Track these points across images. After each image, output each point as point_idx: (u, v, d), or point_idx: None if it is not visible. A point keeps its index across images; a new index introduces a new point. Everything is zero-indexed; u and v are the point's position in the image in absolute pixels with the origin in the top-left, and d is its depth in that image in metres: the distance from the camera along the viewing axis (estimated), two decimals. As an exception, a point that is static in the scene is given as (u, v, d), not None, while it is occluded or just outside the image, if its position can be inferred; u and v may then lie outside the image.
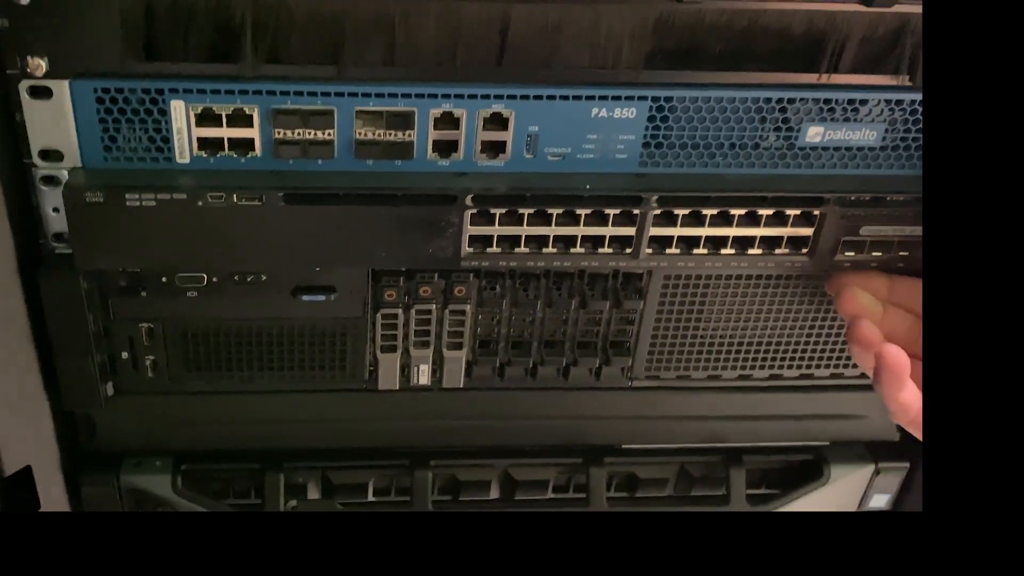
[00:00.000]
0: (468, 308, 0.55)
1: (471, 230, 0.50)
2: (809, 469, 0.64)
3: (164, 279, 0.53)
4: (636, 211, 0.50)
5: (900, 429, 0.62)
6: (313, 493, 0.62)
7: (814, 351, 0.59)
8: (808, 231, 0.51)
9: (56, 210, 0.50)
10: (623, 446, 0.63)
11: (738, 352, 0.59)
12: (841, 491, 0.64)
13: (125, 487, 0.59)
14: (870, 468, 0.65)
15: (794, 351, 0.59)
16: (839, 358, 0.59)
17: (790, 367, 0.60)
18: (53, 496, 0.58)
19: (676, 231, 0.51)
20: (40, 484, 0.57)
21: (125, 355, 0.55)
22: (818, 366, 0.60)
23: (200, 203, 0.48)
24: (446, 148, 0.49)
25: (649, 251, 0.51)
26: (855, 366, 0.60)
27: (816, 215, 0.51)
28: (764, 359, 0.59)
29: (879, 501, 0.66)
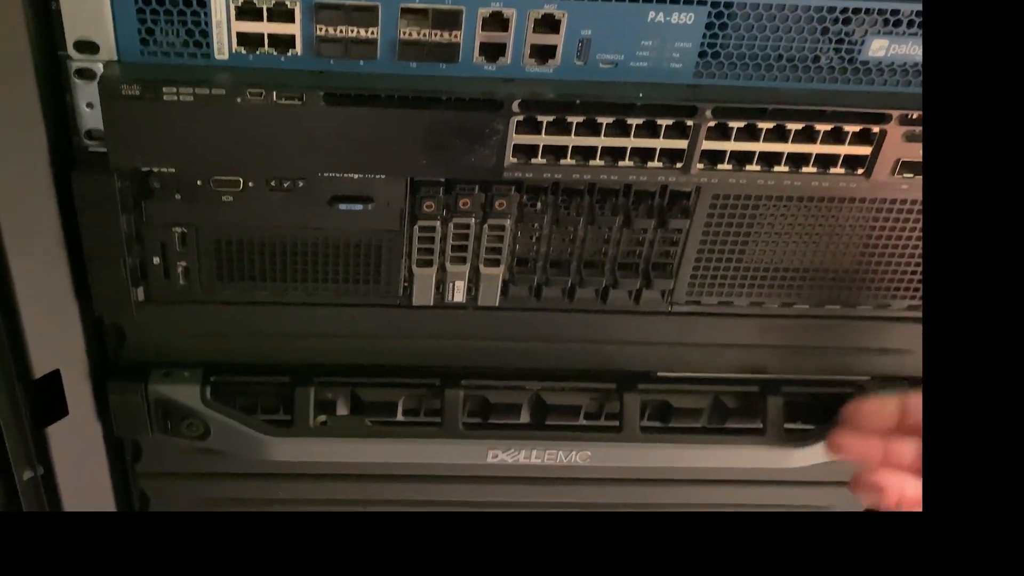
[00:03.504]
0: (508, 223, 0.54)
1: (516, 139, 0.49)
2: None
3: (199, 183, 0.51)
4: (689, 123, 0.48)
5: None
6: (342, 410, 0.61)
7: (861, 281, 0.57)
8: (866, 150, 0.50)
9: (90, 106, 0.48)
10: (659, 374, 0.62)
11: (783, 280, 0.57)
12: (880, 427, 0.62)
13: (153, 397, 0.58)
14: (910, 405, 0.63)
15: (840, 281, 0.57)
16: (886, 289, 0.58)
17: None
18: (80, 404, 0.58)
19: (729, 145, 0.49)
20: (68, 391, 0.56)
21: (157, 261, 0.54)
22: (864, 297, 0.58)
23: (239, 100, 0.46)
24: (493, 51, 0.47)
25: (700, 166, 0.50)
26: (902, 298, 0.58)
27: (875, 133, 0.49)
28: (809, 288, 0.57)
29: (917, 439, 0.64)
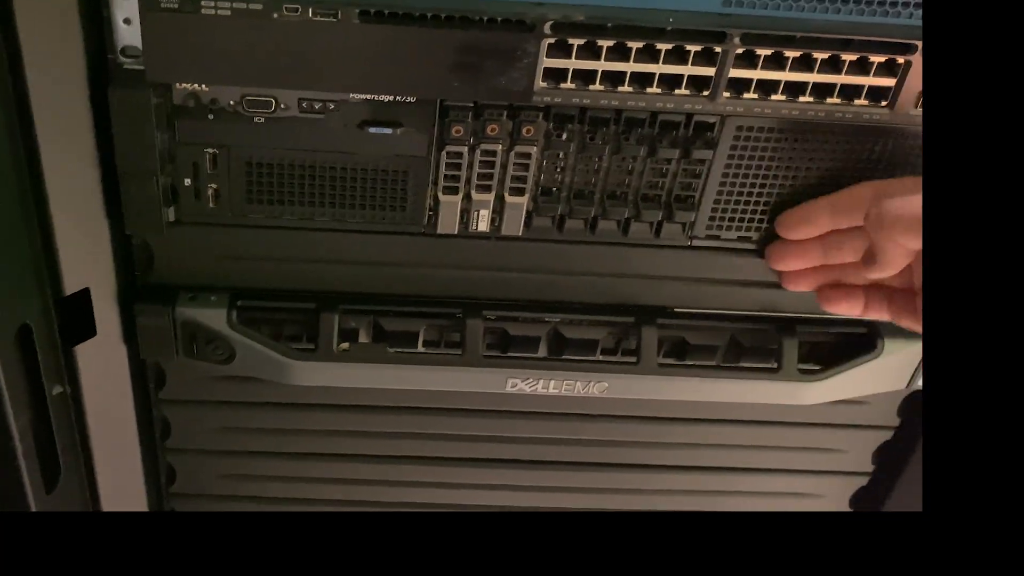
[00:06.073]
0: (534, 151, 0.54)
1: (547, 62, 0.49)
2: (862, 342, 0.63)
3: (232, 102, 0.52)
4: (718, 49, 0.49)
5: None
6: (364, 339, 0.62)
7: (879, 218, 0.58)
8: (890, 81, 0.50)
9: (127, 21, 0.49)
10: (676, 309, 0.63)
11: (802, 216, 0.58)
12: (891, 366, 0.63)
13: (180, 319, 0.59)
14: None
15: (859, 217, 0.58)
16: (904, 228, 0.59)
17: (853, 235, 0.59)
18: (107, 324, 0.58)
19: (756, 74, 0.50)
20: (95, 311, 0.57)
21: (188, 182, 0.55)
22: (882, 234, 0.59)
23: (275, 15, 0.47)
24: (526, -26, 0.48)
25: (727, 95, 0.51)
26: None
27: (900, 64, 0.50)
28: (827, 224, 0.58)
29: (928, 381, 0.65)
